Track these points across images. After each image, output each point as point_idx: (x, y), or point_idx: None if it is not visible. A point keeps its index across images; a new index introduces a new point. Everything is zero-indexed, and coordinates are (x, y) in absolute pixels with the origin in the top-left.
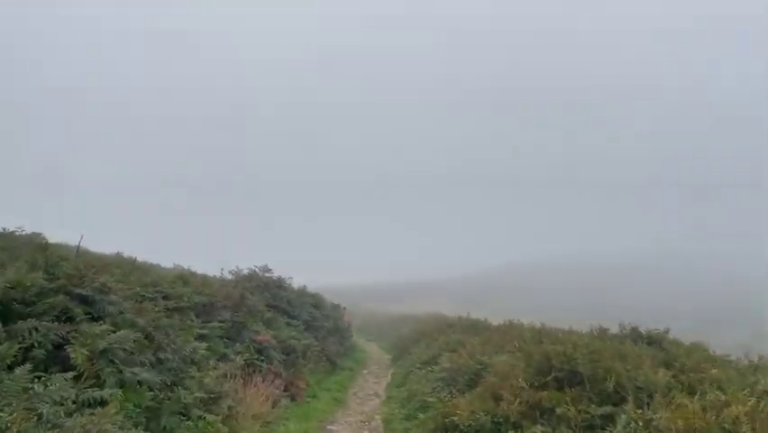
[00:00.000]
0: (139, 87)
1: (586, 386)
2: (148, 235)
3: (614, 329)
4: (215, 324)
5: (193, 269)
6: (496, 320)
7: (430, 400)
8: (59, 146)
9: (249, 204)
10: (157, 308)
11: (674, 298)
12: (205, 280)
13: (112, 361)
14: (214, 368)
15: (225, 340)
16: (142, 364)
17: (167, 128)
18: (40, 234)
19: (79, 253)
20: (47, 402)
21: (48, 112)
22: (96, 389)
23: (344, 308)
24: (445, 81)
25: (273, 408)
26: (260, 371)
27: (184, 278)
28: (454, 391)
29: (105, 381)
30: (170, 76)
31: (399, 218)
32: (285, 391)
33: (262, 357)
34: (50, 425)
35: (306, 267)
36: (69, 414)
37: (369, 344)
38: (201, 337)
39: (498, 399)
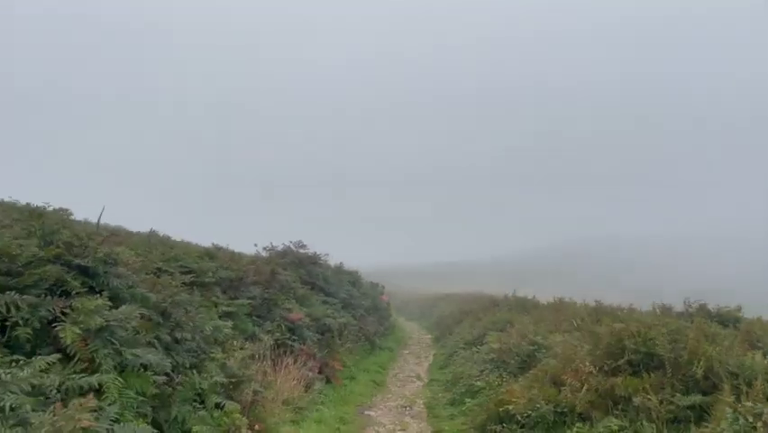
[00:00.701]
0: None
1: (667, 371)
2: (196, 218)
3: (677, 307)
4: (243, 301)
5: (231, 247)
6: (542, 299)
7: (478, 384)
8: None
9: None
10: (174, 283)
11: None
12: (233, 255)
13: (110, 341)
14: (241, 348)
15: (254, 318)
16: (150, 345)
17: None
18: (66, 209)
19: (101, 227)
20: (14, 392)
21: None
22: (83, 375)
23: (383, 287)
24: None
25: (306, 391)
26: (292, 351)
27: (210, 253)
28: (505, 374)
29: (100, 364)
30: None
31: (447, 202)
32: (319, 372)
33: (295, 336)
34: (11, 421)
35: (347, 245)
36: (49, 406)
37: (409, 323)
38: (227, 315)
39: (559, 385)
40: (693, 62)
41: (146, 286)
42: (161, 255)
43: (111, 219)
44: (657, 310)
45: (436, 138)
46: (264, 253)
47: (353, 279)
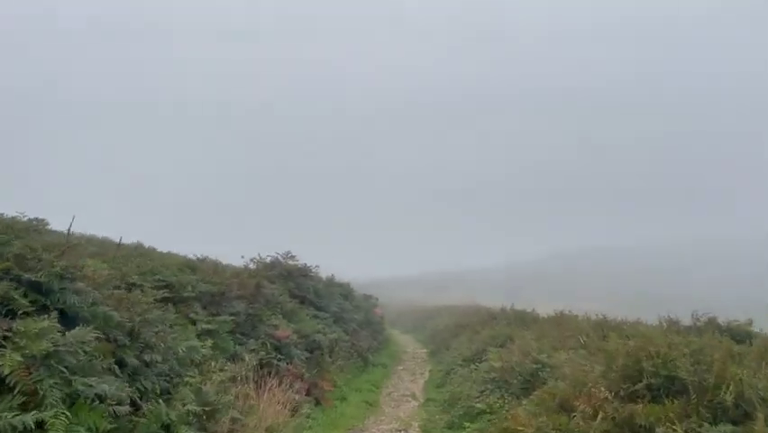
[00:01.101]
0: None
1: (691, 398)
2: (195, 221)
3: (684, 321)
4: (225, 317)
5: (224, 256)
6: (542, 311)
7: (478, 405)
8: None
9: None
10: (146, 299)
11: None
12: (216, 267)
13: (58, 369)
14: (221, 370)
15: (237, 336)
16: (109, 371)
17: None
18: (43, 219)
19: (71, 238)
20: None
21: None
22: (18, 412)
23: (376, 299)
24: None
25: (292, 416)
26: (278, 372)
27: (192, 265)
28: (507, 395)
29: (44, 397)
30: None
31: (446, 211)
32: (307, 394)
33: (281, 355)
34: None
35: (345, 255)
36: None
37: (404, 336)
38: (207, 333)
39: (569, 411)
40: (693, 62)
41: (111, 303)
42: (137, 268)
43: (104, 229)
44: (664, 324)
45: (435, 141)
46: (252, 265)
47: (345, 291)
